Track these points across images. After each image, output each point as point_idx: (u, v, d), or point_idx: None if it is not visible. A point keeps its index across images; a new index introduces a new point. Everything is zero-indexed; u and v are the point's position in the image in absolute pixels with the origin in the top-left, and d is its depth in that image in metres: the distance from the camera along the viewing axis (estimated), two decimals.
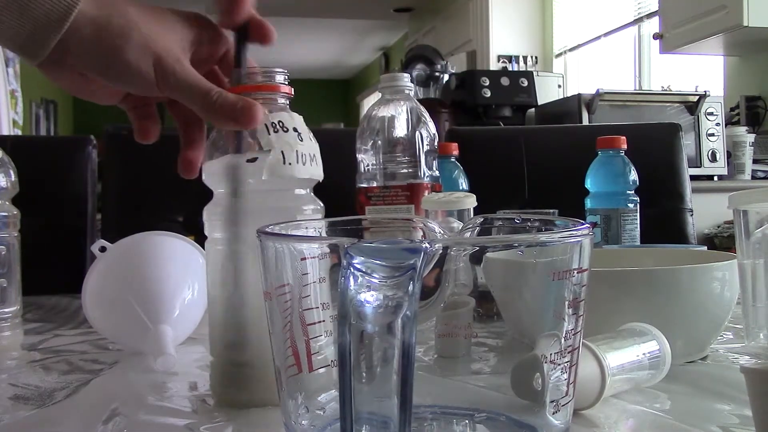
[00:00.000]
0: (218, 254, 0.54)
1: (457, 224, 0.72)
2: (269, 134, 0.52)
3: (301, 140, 0.53)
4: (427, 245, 0.31)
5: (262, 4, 0.55)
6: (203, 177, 0.54)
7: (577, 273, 0.38)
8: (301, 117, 0.55)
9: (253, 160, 0.52)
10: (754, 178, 2.90)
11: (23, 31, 0.47)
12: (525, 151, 1.55)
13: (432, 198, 0.77)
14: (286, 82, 0.55)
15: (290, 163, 0.52)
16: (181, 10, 0.53)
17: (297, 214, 0.53)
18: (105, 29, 0.48)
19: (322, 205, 0.55)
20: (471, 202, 0.74)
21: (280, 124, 0.53)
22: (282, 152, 0.52)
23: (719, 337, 0.70)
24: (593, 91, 2.97)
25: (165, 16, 0.51)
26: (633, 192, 1.07)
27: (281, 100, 0.55)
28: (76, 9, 0.47)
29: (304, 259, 0.39)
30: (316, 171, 0.54)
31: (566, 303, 0.38)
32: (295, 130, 0.53)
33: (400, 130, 0.84)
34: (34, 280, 0.90)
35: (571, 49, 4.47)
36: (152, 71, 0.49)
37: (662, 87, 3.37)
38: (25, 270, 0.83)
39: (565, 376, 0.38)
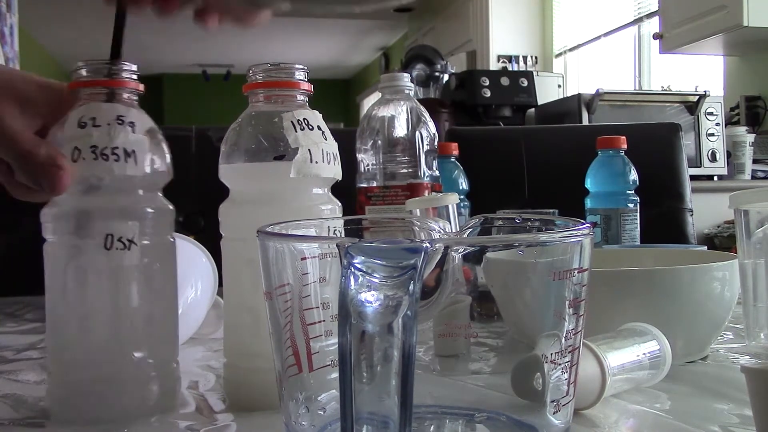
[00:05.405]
0: (236, 254, 0.53)
1: (443, 223, 0.72)
2: (296, 132, 0.50)
3: (326, 138, 0.52)
4: (428, 245, 0.31)
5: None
6: (219, 174, 0.53)
7: (578, 273, 0.38)
8: (321, 115, 0.54)
9: (281, 157, 0.50)
10: (754, 178, 2.90)
11: None
12: (525, 151, 1.55)
13: (414, 200, 0.77)
14: (306, 79, 0.53)
15: (317, 162, 0.51)
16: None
17: (317, 214, 0.52)
18: None
19: (340, 204, 0.54)
20: (452, 199, 0.74)
21: (305, 121, 0.51)
22: (309, 150, 0.50)
23: (719, 337, 0.70)
24: (593, 91, 2.97)
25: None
26: (633, 192, 1.07)
27: (300, 97, 0.53)
28: None
29: (304, 258, 0.39)
30: (337, 170, 0.53)
31: (567, 303, 0.38)
32: (318, 128, 0.52)
33: (400, 130, 0.84)
34: (33, 280, 0.90)
35: (571, 49, 4.47)
36: None
37: (662, 87, 3.37)
38: (24, 270, 0.83)
39: (566, 375, 0.38)
